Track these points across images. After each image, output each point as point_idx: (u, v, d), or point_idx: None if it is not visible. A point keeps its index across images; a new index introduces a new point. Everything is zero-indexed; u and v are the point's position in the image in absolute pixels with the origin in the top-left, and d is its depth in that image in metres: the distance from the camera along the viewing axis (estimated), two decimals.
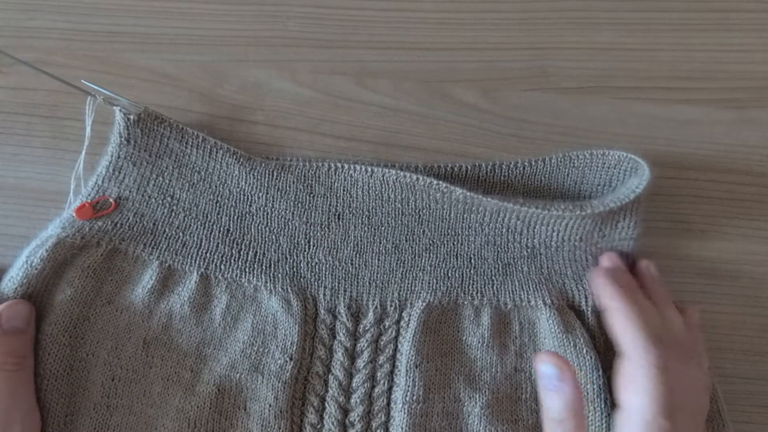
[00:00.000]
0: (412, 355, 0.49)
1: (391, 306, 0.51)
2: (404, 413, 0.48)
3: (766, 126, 0.57)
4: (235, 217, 0.53)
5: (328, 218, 0.53)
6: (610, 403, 0.48)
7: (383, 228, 0.53)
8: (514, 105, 0.57)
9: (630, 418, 0.44)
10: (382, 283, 0.52)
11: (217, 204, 0.53)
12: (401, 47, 0.58)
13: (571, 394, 0.45)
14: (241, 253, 0.52)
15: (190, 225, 0.52)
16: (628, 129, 0.57)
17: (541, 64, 0.58)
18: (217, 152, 0.52)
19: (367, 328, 0.51)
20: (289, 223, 0.53)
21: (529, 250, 0.52)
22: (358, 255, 0.53)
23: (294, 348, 0.49)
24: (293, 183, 0.53)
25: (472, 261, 0.52)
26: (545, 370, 0.46)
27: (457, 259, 0.52)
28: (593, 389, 0.48)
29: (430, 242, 0.53)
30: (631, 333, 0.46)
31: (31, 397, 0.46)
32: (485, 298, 0.51)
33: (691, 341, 0.48)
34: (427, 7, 0.59)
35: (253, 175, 0.53)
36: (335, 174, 0.53)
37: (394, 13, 0.59)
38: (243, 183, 0.53)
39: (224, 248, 0.52)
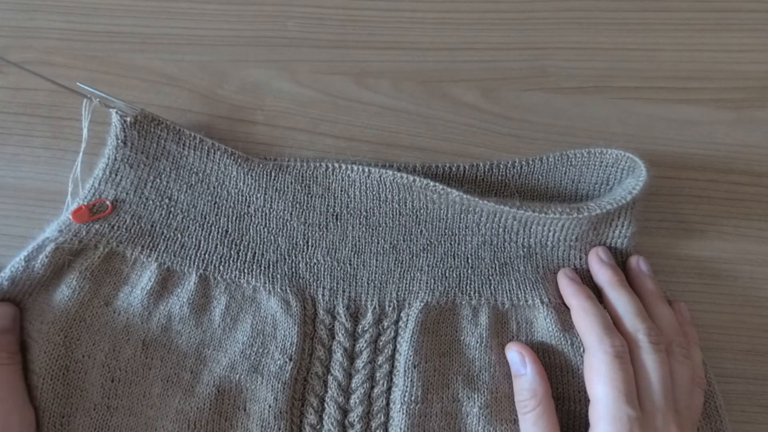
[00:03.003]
0: (411, 356, 0.49)
1: (389, 306, 0.51)
2: (403, 414, 0.48)
3: (766, 126, 0.57)
4: (234, 218, 0.53)
5: (326, 219, 0.53)
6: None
7: (381, 228, 0.53)
8: (514, 105, 0.57)
9: (597, 409, 0.46)
10: (381, 284, 0.52)
11: (216, 205, 0.53)
12: (401, 47, 0.58)
13: (530, 377, 0.48)
14: (240, 254, 0.52)
15: (189, 226, 0.52)
16: (628, 129, 0.57)
17: (541, 64, 0.58)
18: (214, 153, 0.52)
19: (365, 329, 0.51)
20: (288, 224, 0.53)
21: (525, 250, 0.52)
22: (356, 255, 0.53)
23: (293, 349, 0.49)
24: (291, 183, 0.53)
25: (470, 261, 0.52)
26: (511, 356, 0.50)
27: (454, 259, 0.52)
28: None
29: (428, 242, 0.53)
30: (587, 325, 0.48)
31: (24, 392, 0.46)
32: (483, 298, 0.51)
33: (681, 335, 0.49)
34: (427, 7, 0.59)
35: (251, 175, 0.53)
36: (333, 174, 0.53)
37: (394, 13, 0.59)
38: (241, 184, 0.53)
39: (223, 249, 0.52)
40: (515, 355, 0.49)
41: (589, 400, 0.47)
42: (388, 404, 0.50)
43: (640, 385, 0.46)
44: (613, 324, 0.48)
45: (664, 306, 0.50)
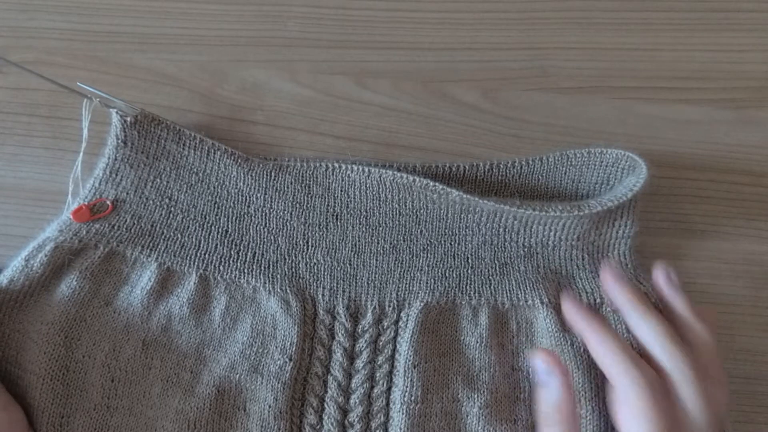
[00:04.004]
0: (411, 356, 0.49)
1: (389, 306, 0.51)
2: (403, 414, 0.48)
3: (766, 126, 0.57)
4: (234, 218, 0.53)
5: (326, 219, 0.53)
6: (607, 402, 0.48)
7: (381, 228, 0.53)
8: (514, 105, 0.57)
9: None
10: (381, 284, 0.52)
11: (216, 205, 0.53)
12: (401, 47, 0.58)
13: (556, 390, 0.45)
14: (240, 254, 0.52)
15: (189, 226, 0.52)
16: (628, 129, 0.57)
17: (541, 64, 0.58)
18: (214, 153, 0.52)
19: (365, 329, 0.51)
20: (288, 224, 0.53)
21: (526, 250, 0.52)
22: (356, 255, 0.53)
23: (293, 349, 0.49)
24: (291, 183, 0.53)
25: (470, 261, 0.52)
26: (537, 365, 0.46)
27: (454, 259, 0.52)
28: (590, 388, 0.48)
29: (428, 242, 0.53)
30: (610, 357, 0.45)
31: (5, 392, 0.46)
32: (483, 298, 0.51)
33: (716, 352, 0.46)
34: (427, 7, 0.59)
35: (251, 175, 0.53)
36: (333, 174, 0.53)
37: (394, 13, 0.59)
38: (241, 184, 0.53)
39: (223, 249, 0.52)
40: (542, 364, 0.46)
41: (590, 400, 0.47)
42: (387, 404, 0.50)
43: (680, 418, 0.43)
44: (636, 353, 0.45)
45: (697, 322, 0.46)
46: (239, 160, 0.53)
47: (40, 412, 0.46)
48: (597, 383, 0.48)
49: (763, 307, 0.54)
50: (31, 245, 0.49)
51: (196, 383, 0.49)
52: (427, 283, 0.52)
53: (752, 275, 0.55)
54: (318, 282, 0.52)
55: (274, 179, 0.53)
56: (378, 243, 0.53)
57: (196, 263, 0.51)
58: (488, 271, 0.52)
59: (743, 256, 0.55)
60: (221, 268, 0.51)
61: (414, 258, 0.53)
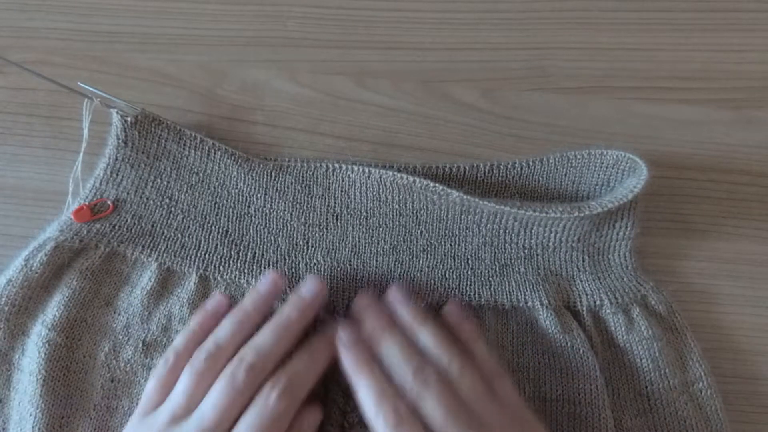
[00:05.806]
0: None
1: None
2: None
3: (766, 126, 0.57)
4: (234, 218, 0.53)
5: (327, 219, 0.53)
6: (608, 404, 0.48)
7: (381, 229, 0.53)
8: (514, 105, 0.57)
9: None
10: (380, 285, 0.52)
11: (216, 205, 0.53)
12: (401, 47, 0.58)
13: None
14: (240, 254, 0.52)
15: (189, 226, 0.52)
16: (628, 129, 0.57)
17: (541, 64, 0.58)
18: (215, 153, 0.53)
19: None
20: (288, 224, 0.53)
21: (526, 251, 0.52)
22: (356, 256, 0.53)
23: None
24: (291, 184, 0.53)
25: (470, 262, 0.52)
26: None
27: (454, 260, 0.52)
28: (591, 389, 0.48)
29: (428, 243, 0.53)
30: (362, 398, 0.43)
31: None
32: (483, 299, 0.51)
33: (449, 350, 0.44)
34: (427, 7, 0.59)
35: (252, 176, 0.53)
36: (333, 175, 0.53)
37: (394, 13, 0.59)
38: (241, 184, 0.53)
39: (223, 249, 0.52)
40: None
41: (591, 402, 0.47)
42: None
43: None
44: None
45: (425, 327, 0.46)
46: (239, 160, 0.53)
47: (41, 413, 0.46)
48: (597, 384, 0.48)
49: (763, 307, 0.54)
50: (32, 245, 0.50)
51: None
52: (426, 284, 0.52)
53: (752, 275, 0.55)
54: None
55: (274, 179, 0.53)
56: (378, 244, 0.53)
57: (196, 263, 0.51)
58: (488, 272, 0.52)
59: (743, 255, 0.55)
60: (221, 268, 0.51)
61: (414, 259, 0.52)
